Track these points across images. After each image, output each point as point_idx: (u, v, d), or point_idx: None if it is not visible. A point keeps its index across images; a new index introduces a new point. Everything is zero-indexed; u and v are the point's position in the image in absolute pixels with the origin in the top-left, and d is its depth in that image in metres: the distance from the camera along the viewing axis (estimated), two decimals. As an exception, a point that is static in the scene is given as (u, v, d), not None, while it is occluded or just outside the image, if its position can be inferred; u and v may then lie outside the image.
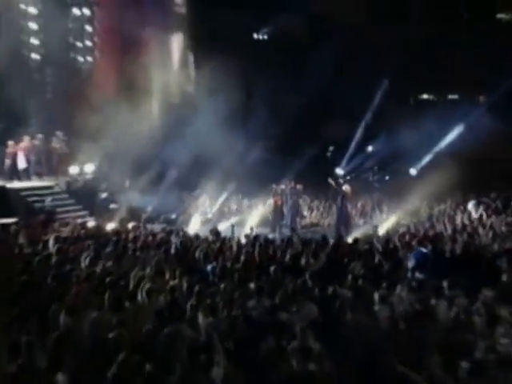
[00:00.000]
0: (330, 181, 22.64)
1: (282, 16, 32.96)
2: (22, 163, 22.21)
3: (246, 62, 30.95)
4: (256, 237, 16.49)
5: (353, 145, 32.02)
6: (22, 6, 24.58)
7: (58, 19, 24.68)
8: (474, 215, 19.90)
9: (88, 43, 26.36)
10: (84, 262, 12.75)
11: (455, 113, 31.23)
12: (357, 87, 30.82)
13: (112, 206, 22.18)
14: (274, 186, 23.45)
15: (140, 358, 7.12)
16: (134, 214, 21.40)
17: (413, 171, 31.71)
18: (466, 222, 19.19)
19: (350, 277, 11.96)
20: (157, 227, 19.43)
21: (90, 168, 23.66)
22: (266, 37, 36.67)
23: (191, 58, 32.10)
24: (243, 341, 8.29)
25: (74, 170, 23.30)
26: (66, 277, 11.34)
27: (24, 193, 20.76)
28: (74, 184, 22.82)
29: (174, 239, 16.09)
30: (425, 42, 32.43)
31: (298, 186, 23.35)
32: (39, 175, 22.81)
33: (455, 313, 9.58)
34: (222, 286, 11.22)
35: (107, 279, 10.90)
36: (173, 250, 14.42)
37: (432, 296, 10.41)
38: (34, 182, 22.08)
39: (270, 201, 22.54)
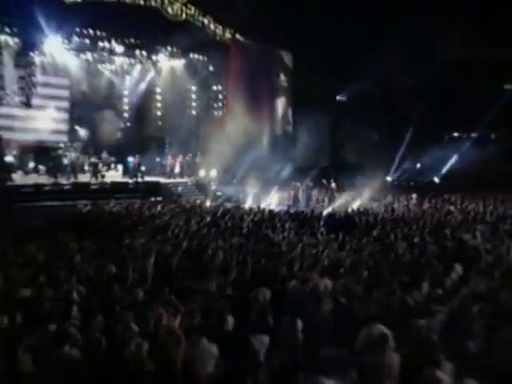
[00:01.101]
0: (324, 181, 23.06)
1: (355, 84, 33.03)
2: (177, 169, 24.47)
3: (330, 116, 31.36)
4: (269, 210, 17.49)
5: (395, 164, 33.08)
6: (188, 86, 27.03)
7: (204, 91, 27.46)
8: (411, 202, 20.80)
9: (220, 104, 27.89)
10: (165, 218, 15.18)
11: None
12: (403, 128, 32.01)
13: (218, 193, 22.66)
14: (292, 182, 22.46)
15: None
16: (227, 198, 21.92)
17: (436, 179, 32.46)
18: (396, 205, 19.83)
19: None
20: (230, 204, 20.02)
21: (213, 172, 24.48)
22: (345, 98, 35.62)
23: (290, 110, 32.44)
24: (197, 255, 10.05)
25: (202, 173, 24.58)
26: (147, 224, 14.00)
27: (169, 185, 22.58)
28: (199, 181, 23.97)
29: (221, 209, 17.44)
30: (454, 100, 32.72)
31: (310, 183, 22.84)
32: (188, 176, 24.66)
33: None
34: (213, 230, 13.15)
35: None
36: (218, 214, 16.09)
37: (308, 237, 12.56)
38: (178, 179, 23.86)
39: (291, 191, 22.01)
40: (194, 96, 27.44)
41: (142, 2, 21.49)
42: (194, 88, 27.27)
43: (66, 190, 19.36)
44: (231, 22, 25.49)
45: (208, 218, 15.37)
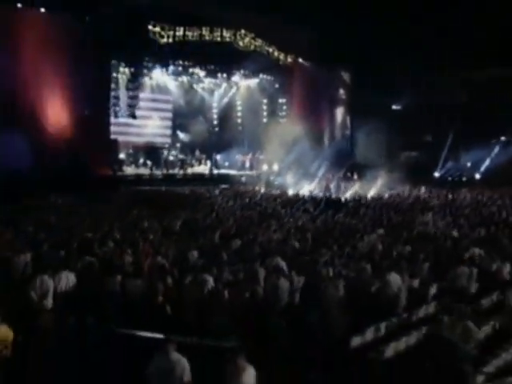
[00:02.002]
0: (348, 174, 24.22)
1: (405, 97, 32.80)
2: (247, 164, 26.74)
3: (386, 122, 30.98)
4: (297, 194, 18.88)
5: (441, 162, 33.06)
6: (260, 99, 28.62)
7: (272, 103, 29.00)
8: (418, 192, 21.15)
9: (284, 113, 28.79)
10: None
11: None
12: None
13: (275, 182, 23.60)
14: (325, 175, 23.20)
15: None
16: (278, 185, 22.49)
17: (477, 175, 32.06)
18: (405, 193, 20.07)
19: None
20: (277, 190, 20.89)
21: (275, 166, 25.77)
22: (400, 107, 34.43)
23: (348, 118, 33.22)
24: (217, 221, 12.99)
25: (264, 167, 26.16)
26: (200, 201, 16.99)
27: (236, 176, 24.74)
28: (260, 173, 25.14)
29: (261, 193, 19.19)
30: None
31: (340, 176, 23.52)
32: (256, 169, 26.33)
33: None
34: (242, 206, 15.71)
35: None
36: (258, 197, 18.39)
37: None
38: (246, 172, 25.73)
39: (324, 181, 22.15)
40: (264, 107, 29.14)
41: (218, 39, 24.38)
42: (264, 101, 29.04)
43: (158, 179, 22.67)
44: (292, 48, 27.42)
45: (246, 199, 17.53)
